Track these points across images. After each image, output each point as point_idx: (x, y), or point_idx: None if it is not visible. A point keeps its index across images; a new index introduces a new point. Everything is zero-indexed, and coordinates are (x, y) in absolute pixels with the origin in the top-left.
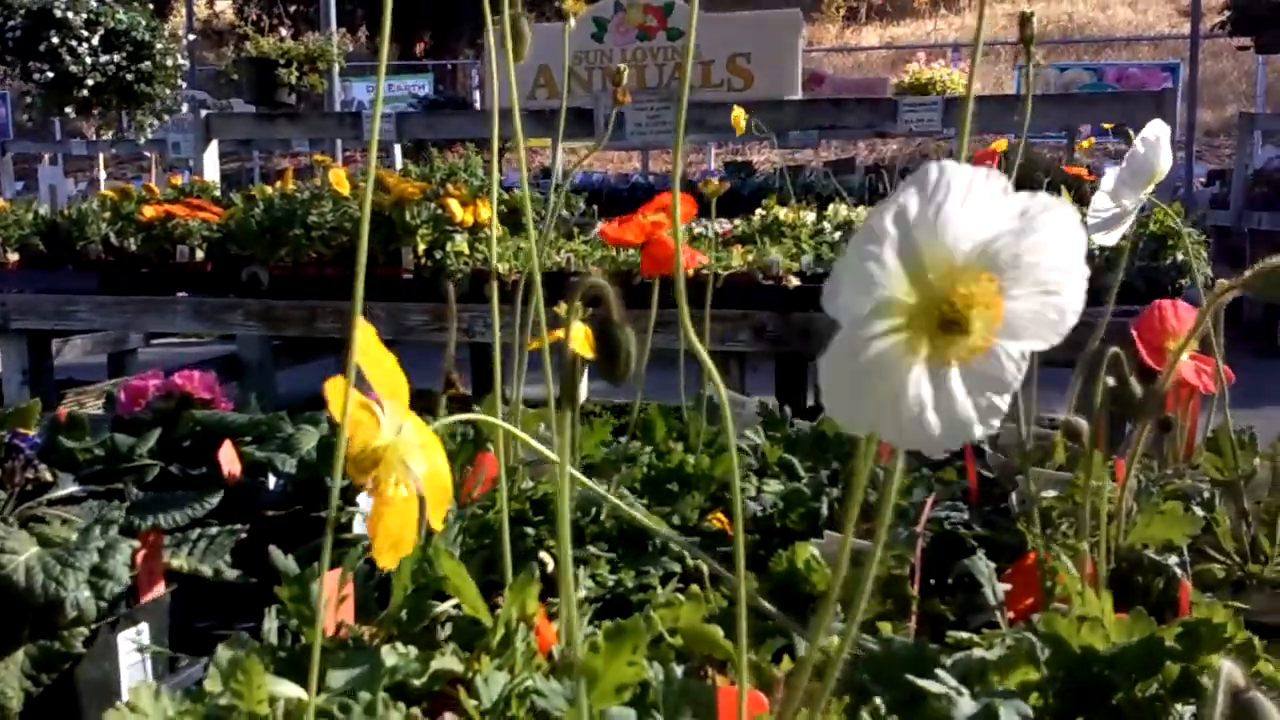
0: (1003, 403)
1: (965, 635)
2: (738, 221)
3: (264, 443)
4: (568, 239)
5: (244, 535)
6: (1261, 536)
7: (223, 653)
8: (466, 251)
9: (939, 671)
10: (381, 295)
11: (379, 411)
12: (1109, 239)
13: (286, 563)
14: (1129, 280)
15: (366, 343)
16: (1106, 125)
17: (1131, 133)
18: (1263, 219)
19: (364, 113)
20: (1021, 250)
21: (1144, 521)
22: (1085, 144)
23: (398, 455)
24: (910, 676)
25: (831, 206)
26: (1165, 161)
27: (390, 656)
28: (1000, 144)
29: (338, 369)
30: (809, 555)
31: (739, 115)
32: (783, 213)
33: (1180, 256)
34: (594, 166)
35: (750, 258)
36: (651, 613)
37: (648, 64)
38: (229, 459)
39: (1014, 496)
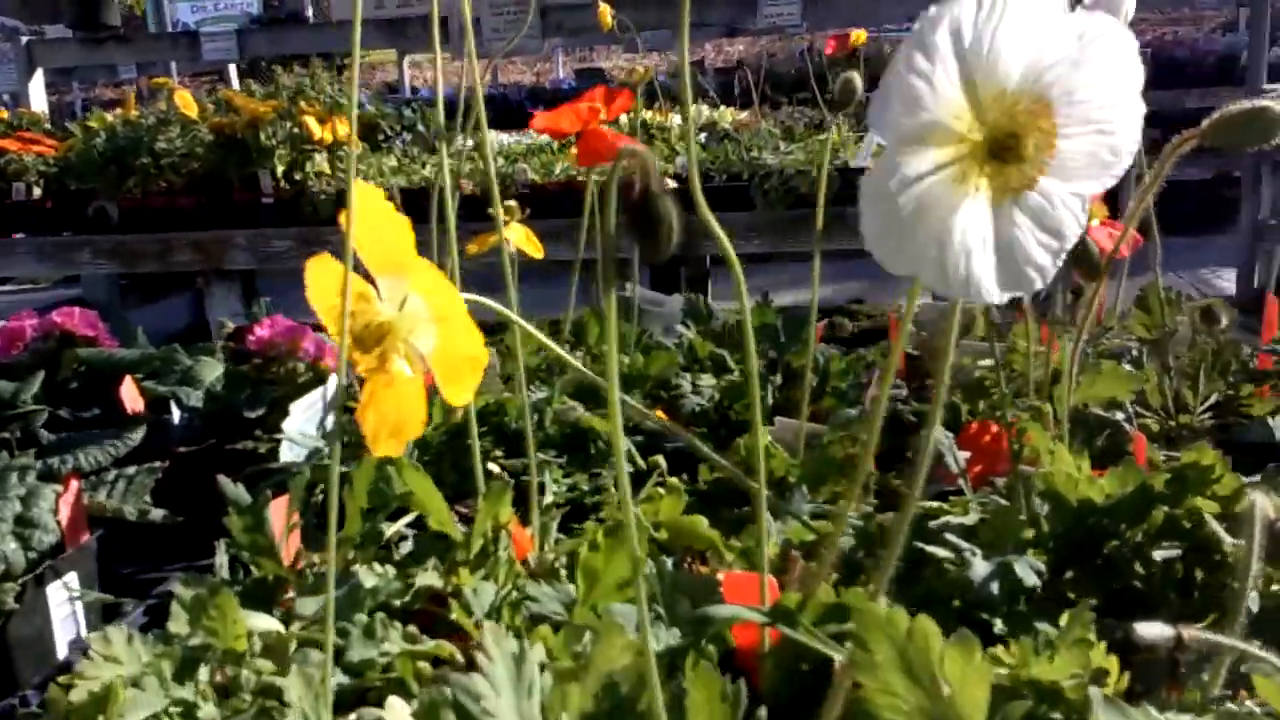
0: (1060, 251)
1: (933, 504)
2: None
3: (161, 377)
4: (430, 152)
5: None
6: (1185, 390)
7: (183, 590)
8: (329, 171)
9: (947, 535)
10: (241, 222)
11: (372, 288)
12: None
13: (237, 491)
14: None
15: (366, 207)
16: None
17: None
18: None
19: (201, 32)
20: (1076, 84)
21: (1088, 381)
22: None
23: (401, 331)
24: (917, 543)
25: (694, 108)
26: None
27: (369, 578)
28: (860, 35)
29: (192, 305)
30: (766, 442)
31: (605, 12)
32: (647, 115)
33: None
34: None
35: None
36: (639, 510)
37: None
38: (131, 396)
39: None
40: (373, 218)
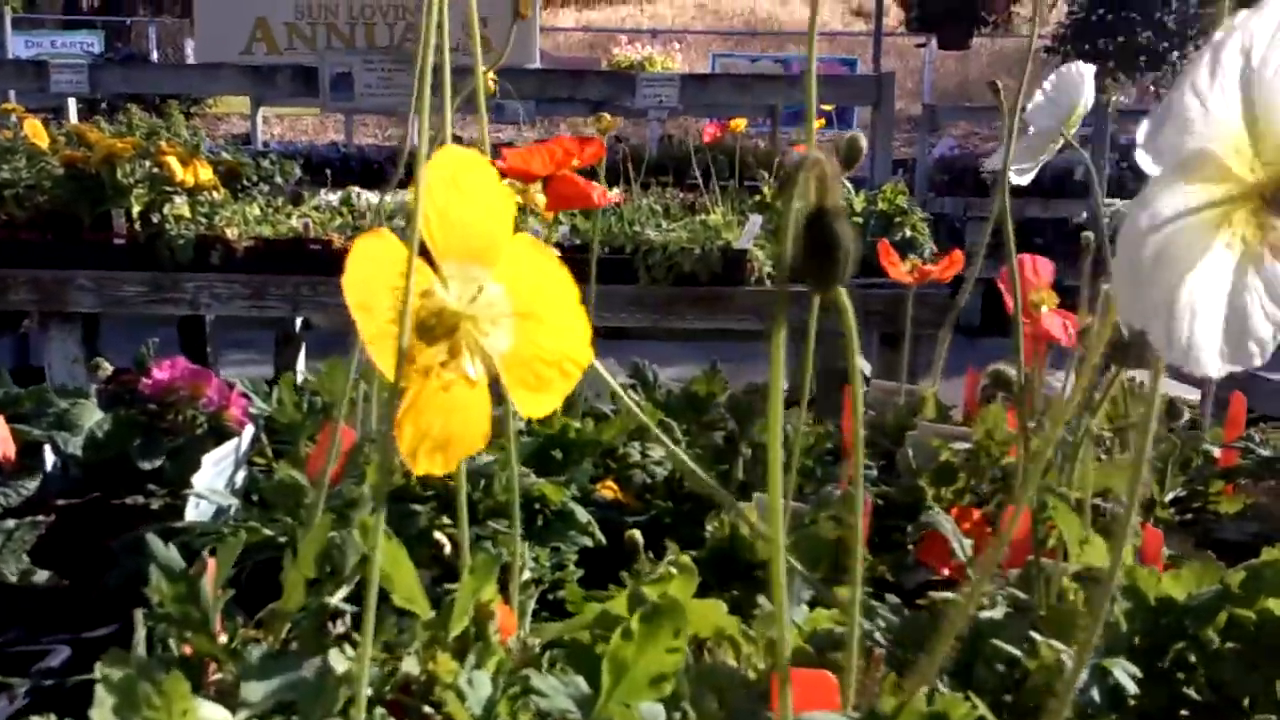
0: None
1: (949, 595)
2: None
3: (32, 420)
4: (294, 204)
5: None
6: (1153, 482)
7: (110, 671)
8: (189, 214)
9: (1033, 635)
10: (90, 263)
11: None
12: (1024, 178)
13: (169, 554)
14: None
15: (448, 174)
16: (827, 106)
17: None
18: (945, 203)
19: (50, 63)
20: None
21: (1081, 471)
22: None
23: (479, 323)
24: (999, 643)
25: None
26: (1089, 95)
27: (340, 661)
28: (739, 123)
29: (16, 348)
30: (753, 519)
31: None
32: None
33: (909, 233)
34: (287, 135)
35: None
36: (640, 589)
37: (378, 22)
38: (3, 439)
39: (910, 451)
40: (453, 189)
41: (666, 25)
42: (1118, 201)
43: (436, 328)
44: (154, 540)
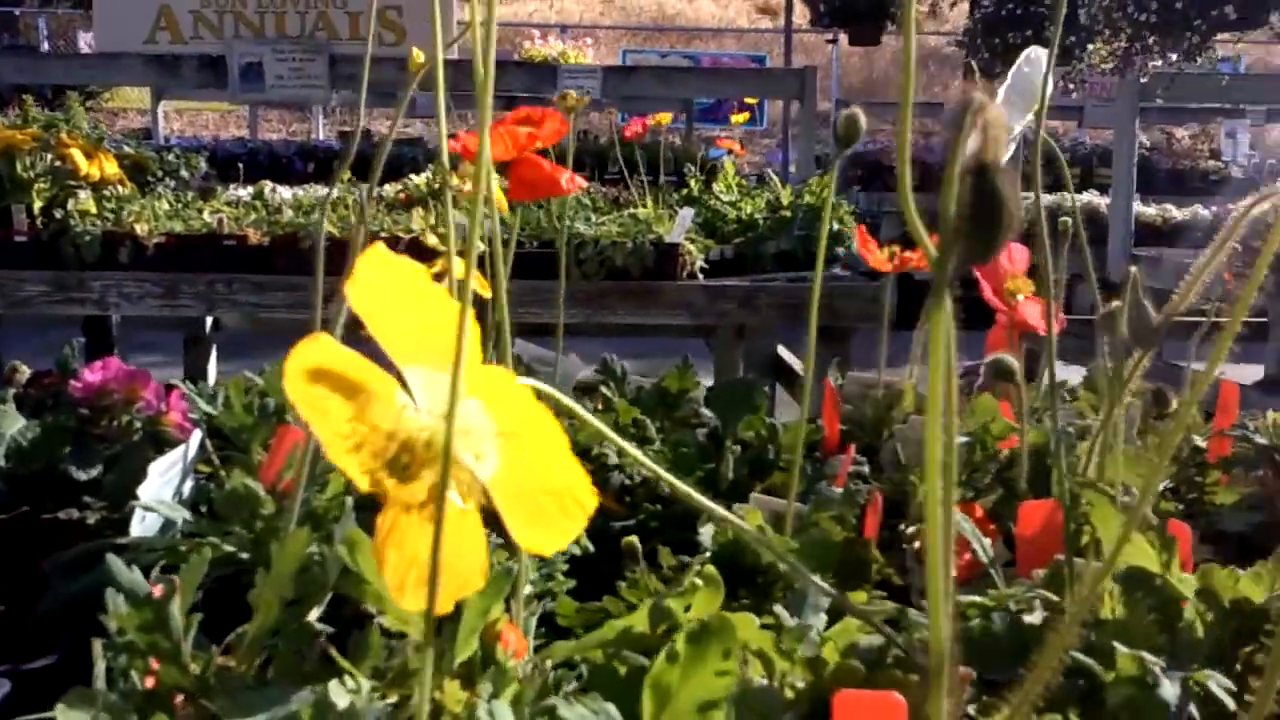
0: None
1: (972, 599)
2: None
3: None
4: (203, 199)
5: None
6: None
7: (74, 715)
8: (94, 210)
9: (1117, 645)
10: None
11: (397, 383)
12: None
13: (134, 578)
14: (789, 250)
15: (388, 275)
16: (750, 100)
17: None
18: (859, 198)
19: None
20: None
21: (1105, 464)
22: (739, 117)
23: (463, 442)
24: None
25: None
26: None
27: (340, 696)
28: (664, 117)
29: None
30: (758, 523)
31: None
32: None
33: (837, 226)
34: (187, 130)
35: (432, 220)
36: (666, 603)
37: (288, 10)
38: None
39: (897, 446)
40: (395, 289)
41: (575, 21)
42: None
43: (412, 464)
44: (115, 561)
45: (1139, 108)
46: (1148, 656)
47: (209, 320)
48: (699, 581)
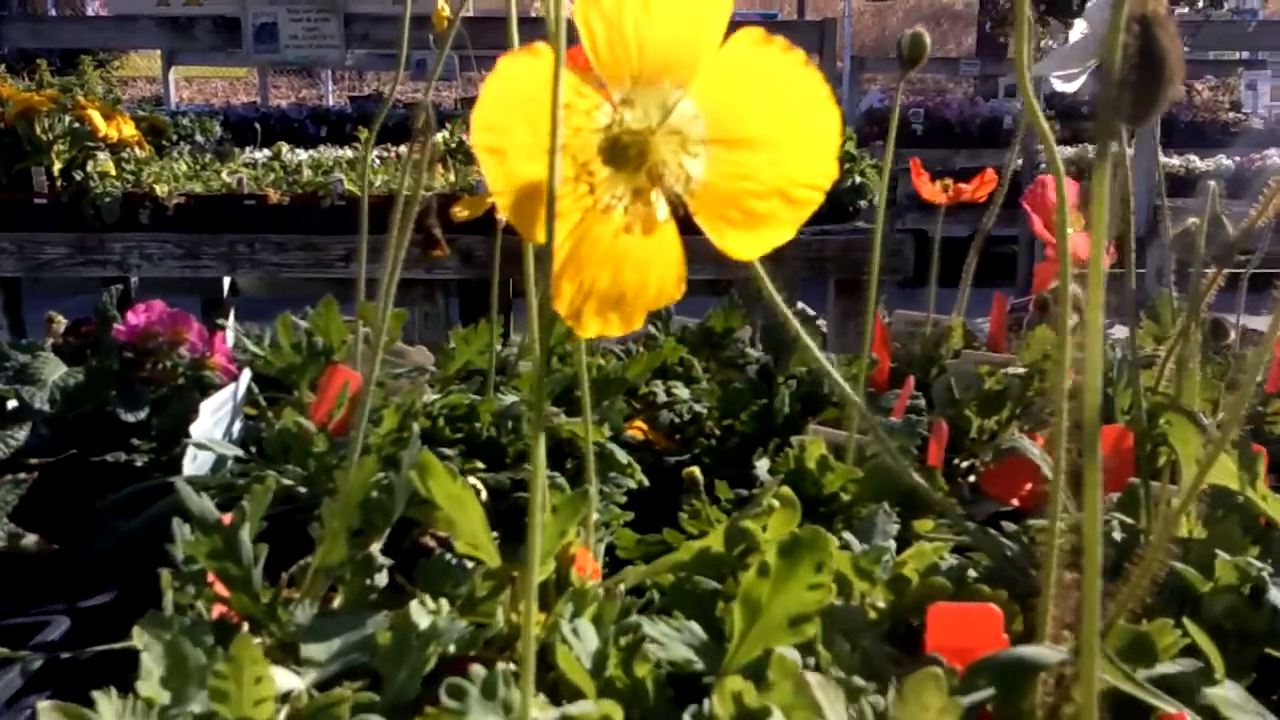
0: None
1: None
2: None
3: None
4: (220, 160)
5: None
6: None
7: (149, 642)
8: (114, 172)
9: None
10: (9, 224)
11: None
12: (1071, 85)
13: (203, 505)
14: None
15: None
16: None
17: None
18: (876, 152)
19: None
20: None
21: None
22: None
23: (679, 148)
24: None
25: None
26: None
27: (422, 617)
28: None
29: None
30: (821, 453)
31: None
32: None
33: (858, 179)
34: (196, 98)
35: (452, 179)
36: (743, 524)
37: None
38: None
39: (953, 380)
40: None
41: None
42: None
43: (631, 147)
44: (185, 488)
45: None
46: (1254, 562)
47: (226, 284)
48: (775, 502)
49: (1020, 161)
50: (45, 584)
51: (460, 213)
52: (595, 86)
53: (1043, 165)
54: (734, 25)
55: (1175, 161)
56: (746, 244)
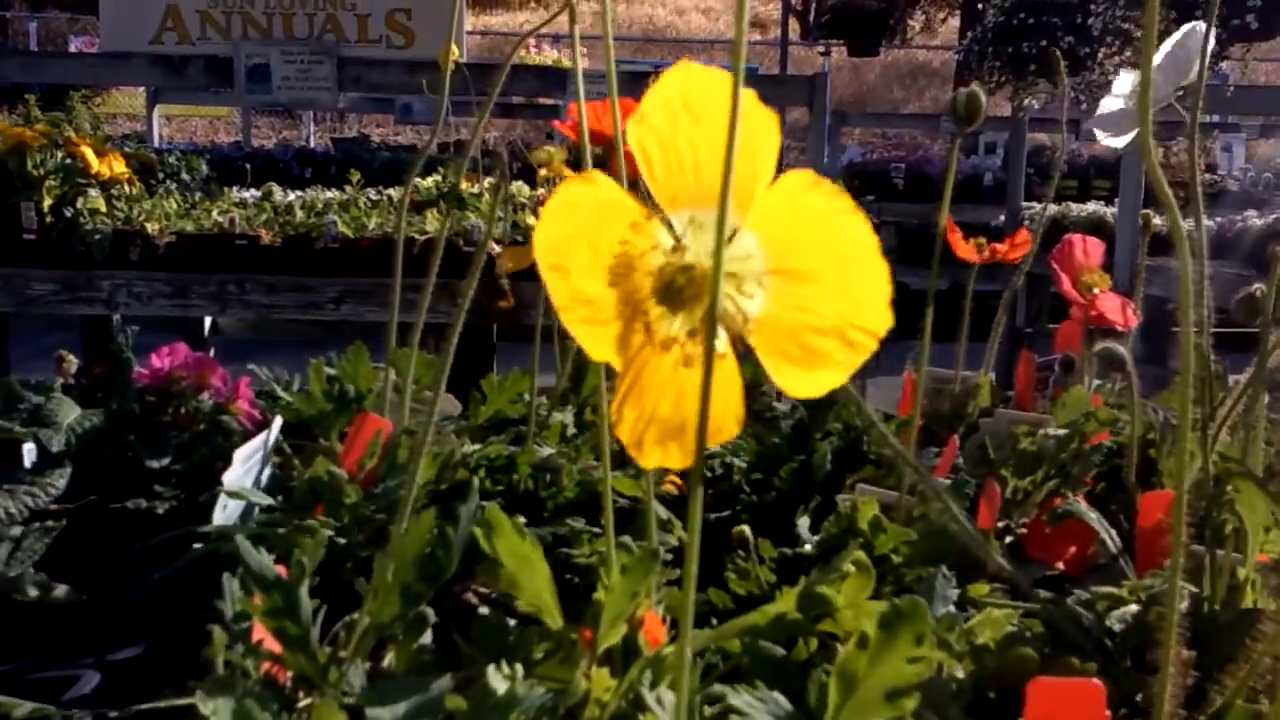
0: None
1: (1106, 590)
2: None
3: (3, 416)
4: (209, 199)
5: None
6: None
7: (217, 707)
8: (104, 209)
9: None
10: None
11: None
12: (1118, 141)
13: (263, 561)
14: None
15: (678, 100)
16: None
17: None
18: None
19: None
20: None
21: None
22: None
23: (736, 286)
24: None
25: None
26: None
27: (499, 682)
28: None
29: None
30: (874, 513)
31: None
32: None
33: None
34: (176, 136)
35: (449, 224)
36: (819, 589)
37: (297, 12)
38: None
39: (986, 439)
40: (687, 117)
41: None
42: (1035, 205)
43: (686, 289)
44: (244, 544)
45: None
46: None
47: (207, 323)
48: (851, 567)
49: (1003, 218)
50: (71, 635)
51: (506, 264)
52: (652, 214)
53: (1025, 221)
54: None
55: (1156, 221)
56: (804, 383)
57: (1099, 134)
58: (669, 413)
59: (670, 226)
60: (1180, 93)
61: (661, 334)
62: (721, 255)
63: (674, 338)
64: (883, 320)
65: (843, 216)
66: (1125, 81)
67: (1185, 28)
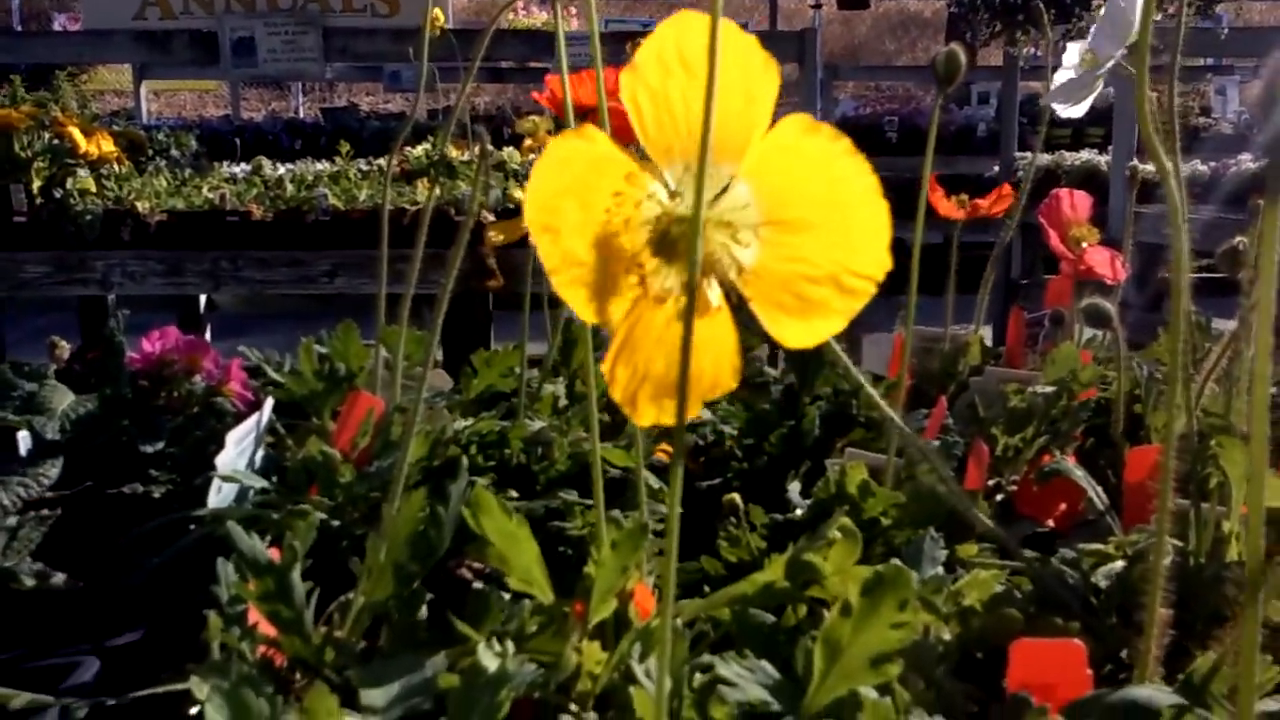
0: None
1: (1092, 547)
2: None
3: None
4: (199, 176)
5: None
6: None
7: (210, 692)
8: (94, 189)
9: None
10: None
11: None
12: (1076, 110)
13: (254, 546)
14: None
15: (671, 49)
16: None
17: None
18: None
19: None
20: None
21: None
22: None
23: (730, 236)
24: None
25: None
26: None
27: (490, 659)
28: None
29: None
30: (862, 477)
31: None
32: (452, 150)
33: None
34: (165, 112)
35: (438, 192)
36: (805, 557)
37: None
38: None
39: (975, 399)
40: (680, 68)
41: None
42: (1029, 155)
43: (681, 240)
44: (236, 529)
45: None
46: None
47: (203, 300)
48: (838, 534)
49: (997, 169)
50: (70, 621)
51: (495, 237)
52: (645, 167)
53: (1019, 173)
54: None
55: (1150, 167)
56: (800, 333)
57: (1057, 107)
58: (663, 370)
59: (664, 180)
60: (1126, 51)
61: (656, 288)
62: (702, 200)
63: (669, 290)
64: (881, 264)
65: (841, 159)
66: (1073, 52)
67: None
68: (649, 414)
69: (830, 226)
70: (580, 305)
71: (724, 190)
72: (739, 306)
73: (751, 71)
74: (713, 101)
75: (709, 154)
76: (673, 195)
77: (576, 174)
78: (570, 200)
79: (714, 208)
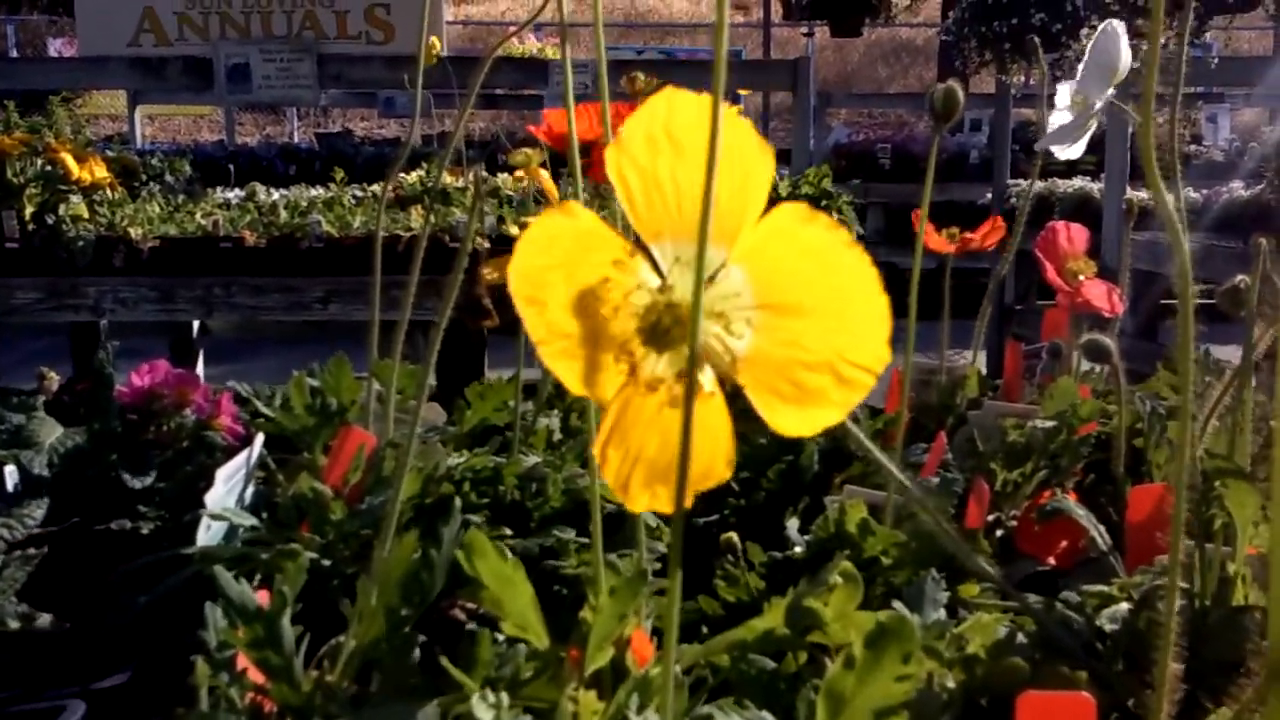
0: None
1: (1096, 588)
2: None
3: None
4: (192, 201)
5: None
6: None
7: None
8: (86, 215)
9: None
10: None
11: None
12: (1073, 151)
13: (243, 591)
14: None
15: (660, 127)
16: (743, 91)
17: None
18: (843, 189)
19: None
20: None
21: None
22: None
23: (725, 325)
24: None
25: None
26: (1126, 57)
27: (484, 711)
28: None
29: None
30: (862, 516)
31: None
32: (446, 176)
33: (836, 216)
34: (159, 136)
35: (432, 219)
36: (806, 603)
37: (274, 10)
38: None
39: (974, 433)
40: (670, 146)
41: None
42: (1022, 182)
43: (673, 329)
44: (224, 575)
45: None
46: None
47: (195, 325)
48: (838, 579)
49: (990, 195)
50: (55, 662)
51: (490, 275)
52: (636, 251)
53: (1012, 200)
54: (692, 65)
55: (1142, 194)
56: (797, 421)
57: (1054, 149)
58: (655, 454)
59: (652, 259)
60: (1114, 92)
61: (647, 374)
62: (700, 301)
63: (660, 378)
64: (880, 358)
65: (839, 250)
66: (1064, 94)
67: (1101, 28)
68: (642, 500)
69: (828, 313)
70: (569, 378)
71: (716, 275)
72: (735, 394)
73: (746, 155)
74: (712, 188)
75: (701, 244)
76: (663, 287)
77: (563, 251)
78: (557, 274)
79: (706, 295)
